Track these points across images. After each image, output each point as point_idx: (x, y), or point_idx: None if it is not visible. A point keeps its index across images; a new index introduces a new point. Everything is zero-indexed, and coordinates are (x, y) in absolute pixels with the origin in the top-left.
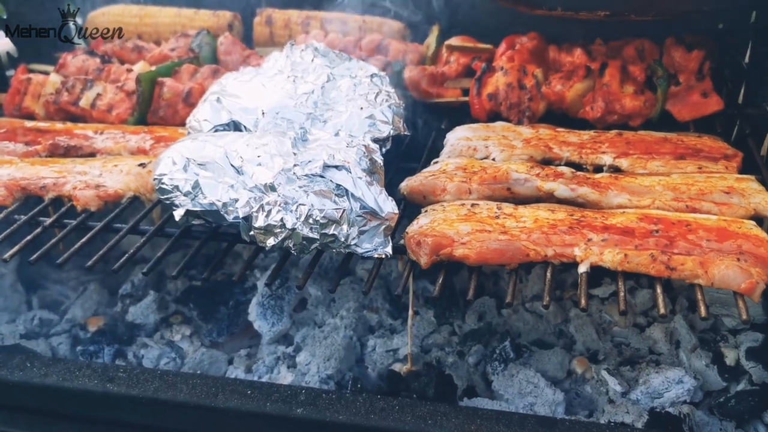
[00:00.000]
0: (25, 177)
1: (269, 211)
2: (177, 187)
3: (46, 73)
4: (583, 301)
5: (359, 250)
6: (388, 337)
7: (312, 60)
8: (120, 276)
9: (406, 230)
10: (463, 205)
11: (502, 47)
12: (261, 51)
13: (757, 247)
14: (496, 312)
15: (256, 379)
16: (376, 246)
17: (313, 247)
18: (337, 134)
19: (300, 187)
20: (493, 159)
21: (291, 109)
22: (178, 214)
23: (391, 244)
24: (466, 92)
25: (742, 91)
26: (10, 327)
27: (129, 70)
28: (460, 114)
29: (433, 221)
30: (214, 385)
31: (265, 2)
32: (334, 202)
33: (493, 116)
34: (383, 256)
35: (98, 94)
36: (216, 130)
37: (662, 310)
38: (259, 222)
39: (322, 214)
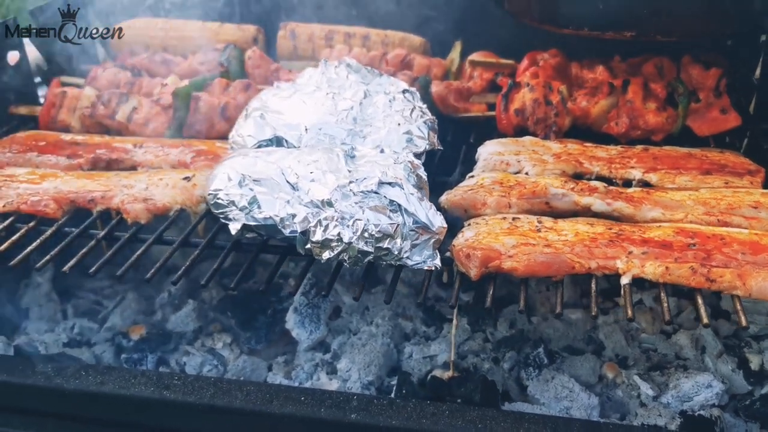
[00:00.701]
0: (73, 190)
1: (327, 226)
2: (233, 202)
3: (77, 86)
4: (629, 312)
5: (409, 263)
6: (423, 344)
7: (347, 76)
8: (153, 285)
9: (453, 243)
10: (504, 218)
11: (524, 63)
12: (286, 65)
13: None
14: (527, 319)
15: (296, 384)
16: (425, 258)
17: (366, 260)
18: (382, 151)
19: (356, 203)
20: (527, 173)
21: (333, 125)
22: (234, 227)
23: (438, 256)
24: (490, 107)
25: (753, 105)
26: (53, 336)
27: (164, 85)
28: (486, 128)
29: (477, 234)
30: (268, 392)
31: (284, 15)
32: (389, 217)
33: (520, 130)
34: (432, 268)
35: (134, 108)
36: (260, 146)
37: (705, 320)
38: (317, 236)
39: (377, 229)
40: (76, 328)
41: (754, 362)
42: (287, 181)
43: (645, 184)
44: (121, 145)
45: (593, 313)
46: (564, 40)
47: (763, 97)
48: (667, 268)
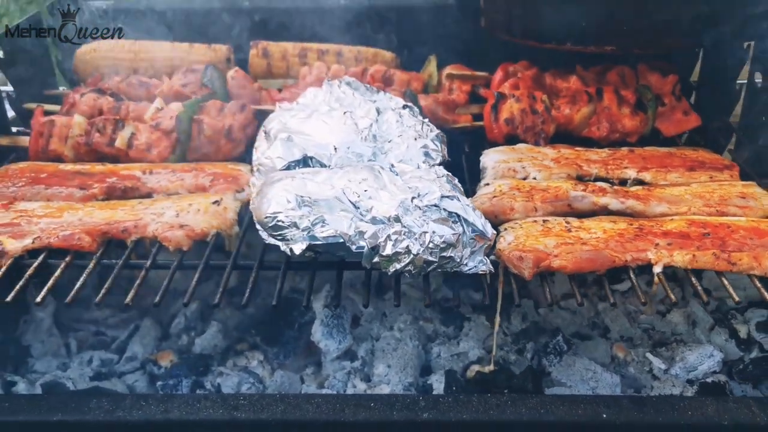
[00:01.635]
0: (101, 222)
1: (395, 240)
2: (295, 224)
3: (53, 113)
4: (672, 297)
5: (464, 269)
6: (448, 343)
7: (353, 94)
8: (161, 311)
9: (498, 247)
10: (535, 222)
11: (498, 75)
12: (265, 83)
13: None
14: (535, 312)
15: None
16: (477, 264)
17: (429, 269)
18: (418, 167)
19: (419, 216)
20: (534, 178)
21: (359, 143)
22: (298, 247)
23: (488, 260)
24: (475, 117)
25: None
26: (78, 370)
27: (159, 109)
28: (475, 137)
29: (517, 238)
30: (337, 402)
31: (249, 34)
32: (451, 227)
33: (510, 138)
34: (486, 272)
35: (132, 134)
36: (288, 167)
37: (736, 299)
38: (387, 250)
39: (442, 240)
40: (95, 361)
41: (742, 331)
42: (349, 200)
43: (639, 182)
44: (129, 173)
45: (642, 301)
46: (520, 50)
47: (702, 98)
48: (693, 255)
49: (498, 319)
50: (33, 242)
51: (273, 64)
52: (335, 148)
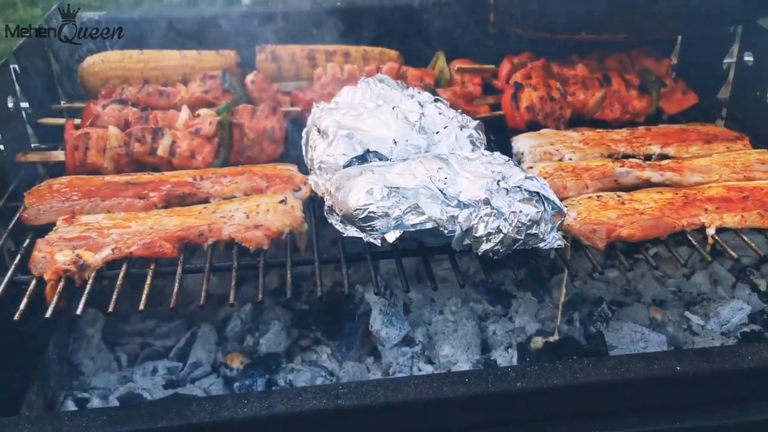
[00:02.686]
0: (172, 228)
1: (487, 222)
2: (386, 213)
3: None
4: (733, 255)
5: (542, 245)
6: (501, 320)
7: (391, 90)
8: (212, 316)
9: (567, 223)
10: (590, 198)
11: (505, 66)
12: (282, 86)
13: None
14: (572, 285)
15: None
16: (551, 240)
17: (515, 246)
18: (483, 154)
19: (505, 197)
20: (569, 159)
21: (415, 136)
22: (392, 236)
23: (561, 234)
24: (492, 107)
25: None
26: (147, 381)
27: (196, 115)
28: (495, 126)
29: (579, 213)
30: (434, 381)
31: (245, 39)
32: (534, 206)
33: (530, 125)
34: (562, 246)
35: (173, 142)
36: (350, 163)
37: None
38: (480, 232)
39: (527, 218)
40: (161, 370)
41: (762, 285)
42: (437, 188)
43: (663, 157)
44: (179, 179)
45: (709, 260)
46: (511, 43)
47: (683, 79)
48: (742, 216)
49: (564, 290)
50: (113, 253)
51: (282, 67)
52: (395, 142)
